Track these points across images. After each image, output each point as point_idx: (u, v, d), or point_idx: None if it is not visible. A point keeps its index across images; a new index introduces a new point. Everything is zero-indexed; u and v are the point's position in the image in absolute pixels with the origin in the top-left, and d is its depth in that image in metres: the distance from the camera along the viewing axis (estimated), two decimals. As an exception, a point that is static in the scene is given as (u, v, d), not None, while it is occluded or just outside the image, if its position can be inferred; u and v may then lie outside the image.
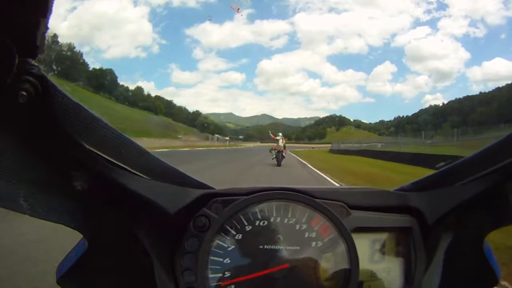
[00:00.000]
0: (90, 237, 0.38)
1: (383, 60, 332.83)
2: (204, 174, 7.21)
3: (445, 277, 0.46)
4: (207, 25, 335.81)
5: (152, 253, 0.41)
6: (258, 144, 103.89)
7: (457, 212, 0.44)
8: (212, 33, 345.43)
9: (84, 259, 0.39)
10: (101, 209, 0.36)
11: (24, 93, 0.23)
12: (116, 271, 0.41)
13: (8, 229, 2.73)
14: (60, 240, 2.24)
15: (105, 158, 0.32)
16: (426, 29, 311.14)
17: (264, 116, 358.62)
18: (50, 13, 0.22)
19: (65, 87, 0.25)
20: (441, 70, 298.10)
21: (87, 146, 0.29)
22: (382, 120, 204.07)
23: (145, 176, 0.38)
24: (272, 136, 12.90)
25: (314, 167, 12.19)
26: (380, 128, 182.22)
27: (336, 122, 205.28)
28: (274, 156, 12.20)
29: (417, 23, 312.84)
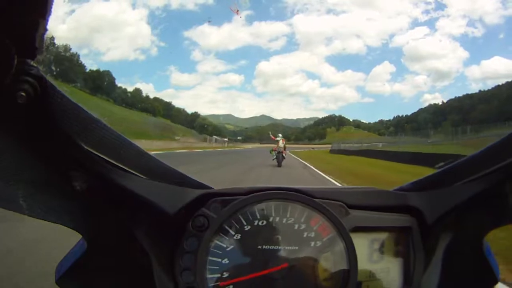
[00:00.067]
0: (89, 237, 0.38)
1: (381, 60, 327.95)
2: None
3: (444, 277, 0.46)
4: (205, 27, 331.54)
5: (151, 253, 0.41)
6: (258, 145, 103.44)
7: (457, 212, 0.44)
8: (210, 35, 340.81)
9: (83, 259, 0.39)
10: (100, 209, 0.36)
11: (23, 93, 0.23)
12: (115, 271, 0.41)
13: (8, 229, 2.74)
14: (59, 240, 2.18)
15: (104, 158, 0.32)
16: (425, 29, 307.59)
17: (263, 117, 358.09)
18: (49, 14, 0.22)
19: (64, 89, 0.25)
20: (439, 69, 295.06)
21: (86, 147, 0.29)
22: (382, 120, 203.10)
23: (144, 177, 0.38)
24: (272, 137, 12.90)
25: (317, 169, 11.80)
26: (380, 127, 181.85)
27: (336, 122, 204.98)
28: (275, 157, 12.23)
29: (415, 23, 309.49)
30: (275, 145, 12.44)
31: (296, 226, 0.44)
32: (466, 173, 0.41)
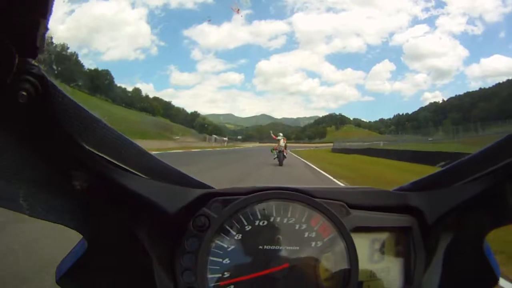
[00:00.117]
0: (90, 237, 0.38)
1: (381, 58, 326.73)
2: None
3: (444, 277, 0.46)
4: (205, 26, 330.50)
5: (152, 253, 0.41)
6: (258, 144, 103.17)
7: (457, 212, 0.44)
8: (210, 34, 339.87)
9: (84, 259, 0.39)
10: (101, 209, 0.36)
11: (24, 93, 0.23)
12: (115, 271, 0.41)
13: (8, 229, 2.74)
14: (60, 240, 2.24)
15: (105, 158, 0.32)
16: (424, 27, 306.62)
17: (263, 116, 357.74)
18: (50, 13, 0.22)
19: (66, 88, 0.25)
20: (439, 68, 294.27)
21: (87, 146, 0.29)
22: (382, 118, 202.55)
23: (144, 176, 0.38)
24: (274, 136, 13.02)
25: (324, 171, 11.23)
26: (380, 126, 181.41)
27: (337, 120, 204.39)
28: (276, 156, 12.32)
29: (415, 21, 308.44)
30: (276, 144, 12.49)
31: (297, 226, 0.44)
32: (467, 173, 0.41)
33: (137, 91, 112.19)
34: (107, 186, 0.34)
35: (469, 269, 0.47)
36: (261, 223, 0.44)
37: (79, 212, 0.36)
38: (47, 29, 0.22)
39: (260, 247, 0.43)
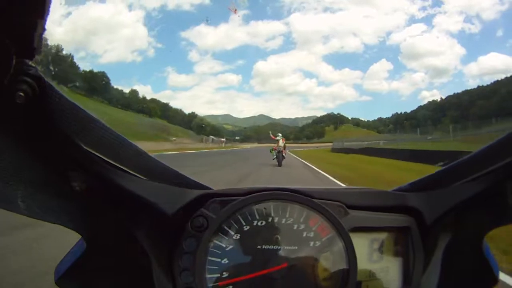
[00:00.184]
0: (88, 237, 0.38)
1: (379, 58, 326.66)
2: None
3: (443, 277, 0.46)
4: (202, 28, 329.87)
5: (150, 254, 0.41)
6: (256, 145, 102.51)
7: (456, 211, 0.44)
8: (207, 36, 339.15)
9: (82, 260, 0.39)
10: (99, 210, 0.36)
11: (21, 93, 0.22)
12: (114, 271, 0.41)
13: (8, 229, 2.78)
14: (60, 240, 2.26)
15: (103, 158, 0.32)
16: (421, 26, 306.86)
17: (261, 116, 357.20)
18: (48, 14, 0.22)
19: (64, 89, 0.24)
20: (437, 66, 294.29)
21: (85, 147, 0.29)
22: (380, 117, 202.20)
23: (143, 177, 0.38)
24: (273, 137, 13.06)
25: (324, 172, 10.55)
26: (379, 125, 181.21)
27: (337, 120, 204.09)
28: (275, 156, 12.38)
29: (412, 20, 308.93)
30: (275, 145, 12.53)
31: (295, 226, 0.44)
32: (465, 173, 0.41)
33: (134, 92, 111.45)
34: (105, 186, 0.34)
35: (468, 269, 0.47)
36: (259, 223, 0.44)
37: (77, 213, 0.36)
38: (44, 29, 0.22)
39: (259, 247, 0.43)
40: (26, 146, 0.27)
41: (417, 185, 0.49)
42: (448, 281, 0.46)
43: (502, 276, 2.24)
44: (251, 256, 0.43)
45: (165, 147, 26.39)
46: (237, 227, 0.44)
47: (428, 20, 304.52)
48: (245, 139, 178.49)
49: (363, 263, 0.46)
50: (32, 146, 0.27)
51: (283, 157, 12.39)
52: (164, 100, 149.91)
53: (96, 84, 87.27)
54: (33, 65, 0.23)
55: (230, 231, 0.43)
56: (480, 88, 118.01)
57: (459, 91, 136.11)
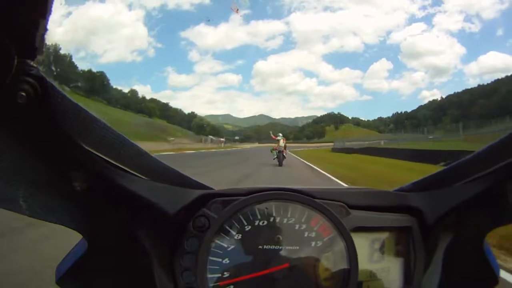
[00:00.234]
0: (90, 237, 0.38)
1: (379, 57, 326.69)
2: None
3: (444, 277, 0.46)
4: (202, 28, 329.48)
5: (151, 254, 0.41)
6: (256, 144, 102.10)
7: (457, 212, 0.44)
8: (207, 35, 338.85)
9: (83, 260, 0.39)
10: (100, 210, 0.36)
11: (23, 93, 0.23)
12: (115, 271, 0.41)
13: (7, 229, 2.80)
14: (61, 240, 2.38)
15: (105, 159, 0.32)
16: (422, 26, 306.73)
17: (261, 116, 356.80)
18: (50, 14, 0.21)
19: (66, 89, 0.27)
20: (437, 66, 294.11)
21: (86, 147, 0.29)
22: (381, 117, 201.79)
23: (144, 177, 0.38)
24: (273, 136, 13.14)
25: (327, 173, 10.28)
26: (379, 125, 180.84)
27: (338, 120, 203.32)
28: (276, 156, 12.45)
29: (412, 19, 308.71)
30: (276, 145, 12.58)
31: (297, 226, 0.44)
32: (466, 173, 0.41)
33: (133, 92, 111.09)
34: (106, 187, 0.34)
35: (469, 269, 0.47)
36: (261, 223, 0.44)
37: (79, 213, 0.36)
38: (46, 29, 0.22)
39: (260, 247, 0.43)
40: (28, 146, 0.27)
41: (419, 185, 0.49)
42: (449, 281, 0.46)
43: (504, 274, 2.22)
44: (253, 256, 0.43)
45: (161, 148, 25.68)
46: (238, 227, 0.44)
47: (428, 19, 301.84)
48: (245, 139, 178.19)
49: (364, 263, 0.46)
50: (34, 146, 0.27)
51: (284, 157, 12.48)
52: (164, 100, 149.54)
53: (95, 84, 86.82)
54: (35, 65, 0.23)
55: (231, 231, 0.44)
56: (480, 87, 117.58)
57: (460, 90, 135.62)
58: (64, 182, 0.31)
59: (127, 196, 0.36)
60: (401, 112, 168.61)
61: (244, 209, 0.44)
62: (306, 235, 0.44)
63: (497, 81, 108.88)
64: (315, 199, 0.45)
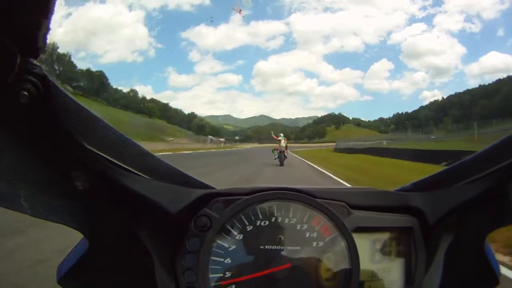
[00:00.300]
0: (91, 237, 0.38)
1: (379, 57, 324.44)
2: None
3: (445, 277, 0.46)
4: (202, 28, 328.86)
5: (153, 253, 0.41)
6: (257, 145, 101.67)
7: (458, 212, 0.44)
8: (208, 36, 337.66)
9: (84, 259, 0.39)
10: (102, 209, 0.36)
11: (25, 93, 0.22)
12: (116, 271, 0.41)
13: (8, 230, 2.82)
14: (61, 239, 2.35)
15: (107, 158, 0.32)
16: (422, 26, 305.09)
17: (262, 117, 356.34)
18: (52, 13, 0.21)
19: (68, 88, 0.27)
20: (438, 66, 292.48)
21: (88, 146, 0.29)
22: (382, 117, 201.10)
23: (146, 176, 0.38)
24: (275, 137, 13.37)
25: (332, 174, 9.82)
26: (380, 125, 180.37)
27: (339, 120, 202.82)
28: (277, 156, 12.59)
29: (412, 20, 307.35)
30: (277, 145, 12.74)
31: (298, 226, 0.44)
32: (468, 174, 0.41)
33: (133, 92, 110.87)
34: (108, 186, 0.34)
35: (470, 269, 0.47)
36: (262, 223, 0.44)
37: (80, 212, 0.36)
38: (48, 29, 0.22)
39: (262, 247, 0.43)
40: (29, 145, 0.27)
41: (420, 185, 0.49)
42: (450, 282, 0.46)
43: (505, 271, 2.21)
44: (254, 256, 0.43)
45: (158, 148, 25.13)
46: (240, 227, 0.44)
47: (428, 20, 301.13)
48: (246, 139, 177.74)
49: (365, 263, 0.46)
50: (36, 146, 0.27)
51: (285, 157, 12.68)
52: (164, 101, 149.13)
53: (94, 83, 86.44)
54: (37, 64, 0.23)
55: (233, 231, 0.44)
56: (481, 87, 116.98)
57: (460, 90, 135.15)
58: (65, 182, 0.31)
59: (129, 195, 0.36)
60: (402, 113, 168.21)
61: (245, 209, 0.44)
62: (307, 235, 0.44)
63: (499, 81, 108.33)
64: (316, 199, 0.45)
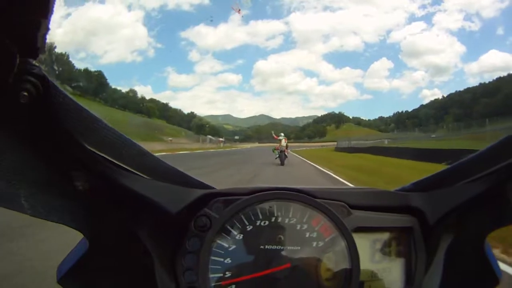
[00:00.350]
0: (91, 237, 0.38)
1: (379, 56, 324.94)
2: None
3: (445, 277, 0.46)
4: (202, 28, 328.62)
5: (153, 253, 0.41)
6: (257, 144, 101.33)
7: (458, 212, 0.44)
8: (207, 36, 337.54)
9: (84, 259, 0.39)
10: (102, 209, 0.36)
11: (25, 93, 0.22)
12: (116, 271, 0.41)
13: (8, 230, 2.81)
14: (61, 239, 2.36)
15: (107, 158, 0.32)
16: (421, 25, 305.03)
17: (262, 116, 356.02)
18: (51, 13, 0.21)
19: (67, 89, 0.28)
20: (437, 64, 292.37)
21: (88, 147, 0.29)
22: (382, 116, 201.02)
23: (146, 176, 0.38)
24: (275, 136, 13.38)
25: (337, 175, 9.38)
26: (380, 124, 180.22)
27: (340, 119, 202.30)
28: (278, 155, 12.60)
29: (412, 18, 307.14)
30: (278, 144, 12.73)
31: (298, 226, 0.44)
32: (468, 173, 0.41)
33: (132, 92, 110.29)
34: (108, 186, 0.34)
35: (470, 269, 0.47)
36: (262, 223, 0.44)
37: (80, 212, 0.36)
38: (48, 29, 0.22)
39: (262, 247, 0.43)
40: (29, 145, 0.27)
41: (420, 185, 0.49)
42: (450, 282, 0.46)
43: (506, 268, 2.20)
44: (254, 256, 0.43)
45: (155, 148, 24.56)
46: (240, 227, 0.44)
47: (428, 18, 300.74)
48: (246, 138, 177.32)
49: (365, 263, 0.46)
50: (35, 146, 0.27)
51: (286, 156, 12.66)
52: (164, 101, 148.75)
53: (92, 83, 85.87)
54: (37, 64, 0.23)
55: (233, 231, 0.44)
56: (482, 86, 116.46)
57: (460, 89, 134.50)
58: (65, 182, 0.31)
59: (129, 195, 0.36)
60: (402, 112, 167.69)
61: (245, 209, 0.44)
62: (307, 235, 0.44)
63: (499, 79, 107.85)
64: (316, 199, 0.45)
